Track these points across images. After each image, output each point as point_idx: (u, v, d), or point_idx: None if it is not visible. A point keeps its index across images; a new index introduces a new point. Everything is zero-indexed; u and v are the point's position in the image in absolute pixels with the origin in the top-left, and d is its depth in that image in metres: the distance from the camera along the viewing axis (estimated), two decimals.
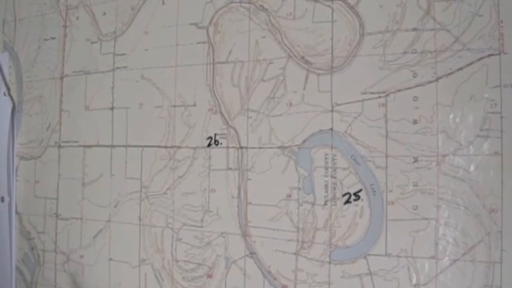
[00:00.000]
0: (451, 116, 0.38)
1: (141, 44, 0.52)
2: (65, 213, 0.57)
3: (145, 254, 0.51)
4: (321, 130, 0.42)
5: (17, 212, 0.61)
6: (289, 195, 0.43)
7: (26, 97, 0.61)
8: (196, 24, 0.49)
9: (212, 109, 0.47)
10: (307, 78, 0.43)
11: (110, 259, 0.54)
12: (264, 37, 0.45)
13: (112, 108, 0.54)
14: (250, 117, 0.46)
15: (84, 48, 0.57)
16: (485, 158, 0.36)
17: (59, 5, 0.59)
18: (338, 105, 0.42)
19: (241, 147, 0.46)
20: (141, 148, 0.51)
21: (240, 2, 0.47)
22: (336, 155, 0.42)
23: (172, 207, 0.49)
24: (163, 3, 0.51)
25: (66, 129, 0.58)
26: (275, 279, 0.44)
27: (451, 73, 0.38)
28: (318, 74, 0.43)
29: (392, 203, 0.39)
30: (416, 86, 0.39)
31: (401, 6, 0.40)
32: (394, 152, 0.39)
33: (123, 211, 0.53)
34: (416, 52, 0.39)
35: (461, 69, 0.38)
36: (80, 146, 0.56)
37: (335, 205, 0.41)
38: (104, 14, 0.55)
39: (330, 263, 0.42)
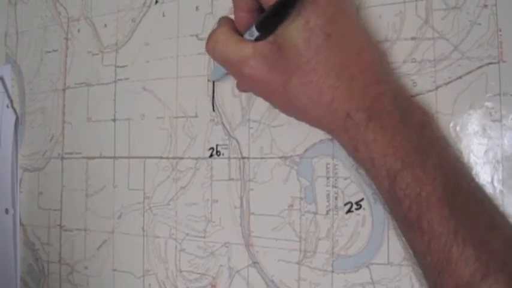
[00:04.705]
0: (451, 125, 0.38)
1: (142, 56, 0.53)
2: (69, 224, 0.58)
3: (149, 264, 0.51)
4: (321, 140, 0.42)
5: (21, 224, 0.62)
6: (291, 205, 0.44)
7: (29, 109, 0.62)
8: (197, 36, 0.49)
9: (213, 120, 0.48)
10: None
11: (114, 270, 0.54)
12: None
13: (114, 120, 0.54)
14: (252, 128, 0.46)
15: (85, 60, 0.57)
16: (485, 166, 0.37)
17: (61, 18, 0.60)
18: None
19: (243, 158, 0.46)
20: (144, 159, 0.52)
21: None
22: (337, 165, 0.42)
23: (175, 217, 0.50)
24: (163, 15, 0.51)
25: (69, 141, 0.58)
26: None
27: (450, 82, 0.38)
28: None
29: None
30: (416, 95, 0.39)
31: (400, 15, 0.40)
32: None
33: (126, 222, 0.53)
34: (415, 61, 0.39)
35: (460, 77, 0.38)
36: (82, 157, 0.57)
37: (337, 214, 0.42)
38: (105, 26, 0.56)
39: (332, 272, 0.42)
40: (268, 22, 0.35)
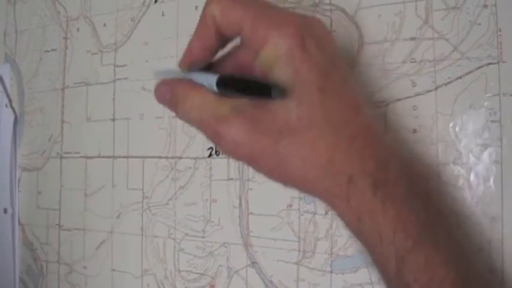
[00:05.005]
0: (450, 125, 0.38)
1: (141, 55, 0.52)
2: (68, 224, 0.57)
3: (148, 264, 0.51)
4: None
5: (19, 223, 0.61)
6: (290, 205, 0.43)
7: (28, 108, 0.62)
8: None
9: None
10: None
11: (113, 270, 0.54)
12: None
13: (113, 119, 0.54)
14: None
15: (84, 59, 0.57)
16: (485, 166, 0.36)
17: (60, 17, 0.60)
18: None
19: None
20: (142, 159, 0.52)
21: None
22: None
23: (174, 217, 0.50)
24: (162, 15, 0.51)
25: (68, 141, 0.58)
26: None
27: (450, 82, 0.38)
28: None
29: None
30: (416, 95, 0.39)
31: (400, 15, 0.40)
32: None
33: (125, 222, 0.53)
34: (415, 61, 0.39)
35: (460, 78, 0.38)
36: (81, 157, 0.56)
37: (336, 214, 0.41)
38: (104, 25, 0.56)
39: (331, 272, 0.42)
40: (235, 87, 0.31)
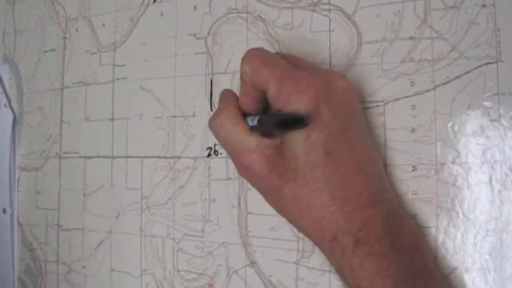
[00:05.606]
0: (449, 125, 0.38)
1: (140, 55, 0.52)
2: (67, 224, 0.57)
3: (147, 264, 0.51)
4: None
5: (18, 223, 0.61)
6: None
7: (27, 108, 0.62)
8: (194, 35, 0.49)
9: None
10: None
11: (112, 269, 0.54)
12: (262, 47, 0.45)
13: (112, 119, 0.54)
14: None
15: (83, 59, 0.57)
16: (483, 166, 0.36)
17: (59, 17, 0.60)
18: None
19: None
20: (141, 159, 0.52)
21: (238, 12, 0.47)
22: None
23: (173, 217, 0.50)
24: (161, 15, 0.51)
25: (67, 141, 0.58)
26: None
27: (448, 81, 0.38)
28: None
29: None
30: (414, 94, 0.39)
31: (398, 15, 0.40)
32: (393, 160, 0.39)
33: (124, 222, 0.53)
34: (413, 61, 0.39)
35: (458, 77, 0.38)
36: (80, 157, 0.56)
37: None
38: (103, 25, 0.56)
39: (330, 271, 0.42)
40: (271, 125, 0.35)
